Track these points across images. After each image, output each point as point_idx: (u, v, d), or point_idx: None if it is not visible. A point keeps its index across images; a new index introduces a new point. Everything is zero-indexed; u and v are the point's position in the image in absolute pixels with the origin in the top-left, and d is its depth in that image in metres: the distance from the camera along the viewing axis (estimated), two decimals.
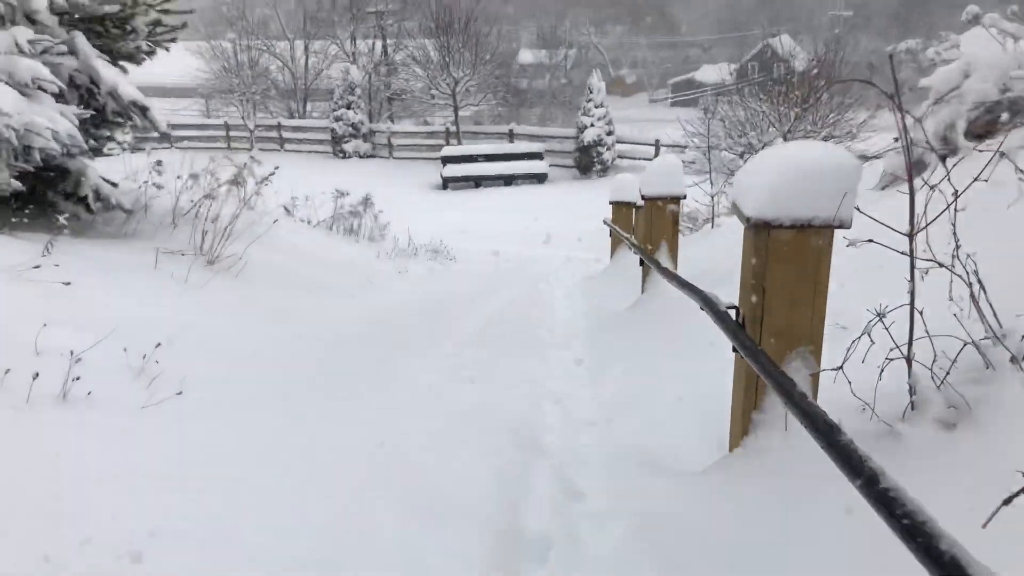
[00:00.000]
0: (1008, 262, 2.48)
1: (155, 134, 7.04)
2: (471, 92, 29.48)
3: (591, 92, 25.84)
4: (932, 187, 2.20)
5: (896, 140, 2.73)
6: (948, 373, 2.19)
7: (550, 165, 25.78)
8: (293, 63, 34.40)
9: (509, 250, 14.36)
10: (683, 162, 6.45)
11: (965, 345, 2.20)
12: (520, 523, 2.64)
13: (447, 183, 24.86)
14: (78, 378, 3.14)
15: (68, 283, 4.06)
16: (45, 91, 5.03)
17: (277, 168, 7.24)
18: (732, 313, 2.57)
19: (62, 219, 4.39)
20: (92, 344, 3.54)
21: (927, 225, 2.14)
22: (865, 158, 6.36)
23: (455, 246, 12.59)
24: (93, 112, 5.68)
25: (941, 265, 2.21)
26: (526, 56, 53.38)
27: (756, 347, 2.28)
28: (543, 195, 23.24)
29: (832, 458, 1.40)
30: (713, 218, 9.53)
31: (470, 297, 7.29)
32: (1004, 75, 4.50)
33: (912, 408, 2.34)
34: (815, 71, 17.56)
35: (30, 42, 4.95)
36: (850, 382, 2.58)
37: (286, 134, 30.87)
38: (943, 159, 4.30)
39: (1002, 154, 2.38)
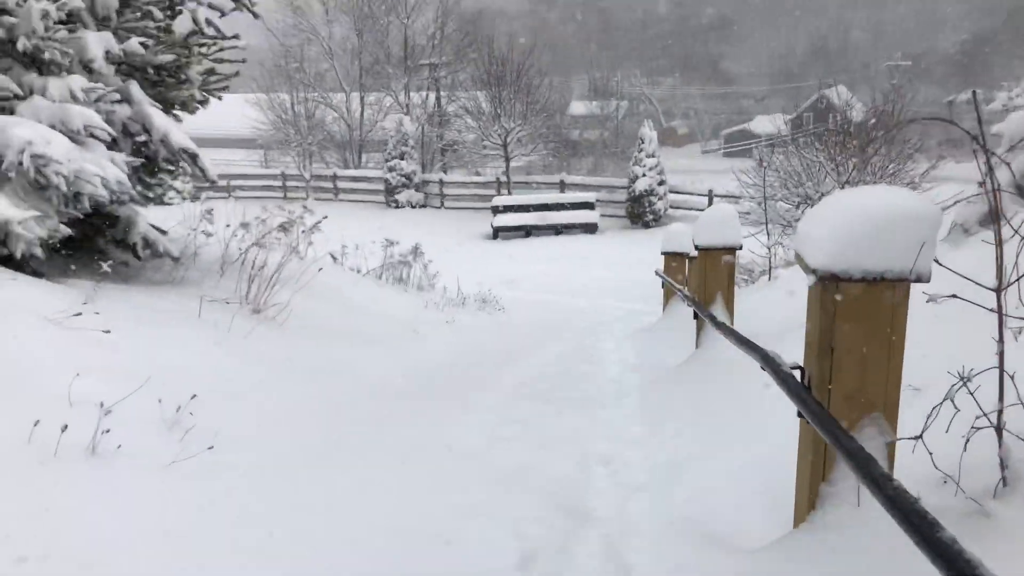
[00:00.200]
0: None
1: (215, 183, 7.07)
2: (522, 142, 29.64)
3: (643, 142, 25.76)
4: None
5: (977, 187, 2.51)
6: None
7: (601, 215, 25.65)
8: (349, 115, 35.06)
9: (559, 300, 14.18)
10: (738, 213, 6.25)
11: None
12: None
13: (497, 233, 24.87)
14: (108, 431, 3.03)
15: (108, 331, 3.99)
16: (97, 138, 5.06)
17: (325, 217, 7.22)
18: (797, 374, 2.36)
19: (105, 266, 4.36)
20: (126, 395, 3.45)
21: (1020, 279, 1.92)
22: None
23: (504, 296, 12.45)
24: (143, 160, 5.70)
25: None
26: (578, 108, 53.71)
27: (825, 413, 2.06)
28: (594, 245, 23.08)
29: (929, 556, 1.18)
30: (770, 270, 9.25)
31: (517, 349, 7.12)
32: None
33: (1004, 484, 2.10)
34: (873, 120, 17.21)
35: (84, 90, 4.99)
36: (931, 453, 2.34)
37: (341, 184, 31.34)
38: None
39: None
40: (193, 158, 6.07)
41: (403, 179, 29.03)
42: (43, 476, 2.74)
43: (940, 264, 2.15)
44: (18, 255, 4.36)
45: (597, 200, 25.95)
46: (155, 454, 3.20)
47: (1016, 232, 2.03)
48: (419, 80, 34.51)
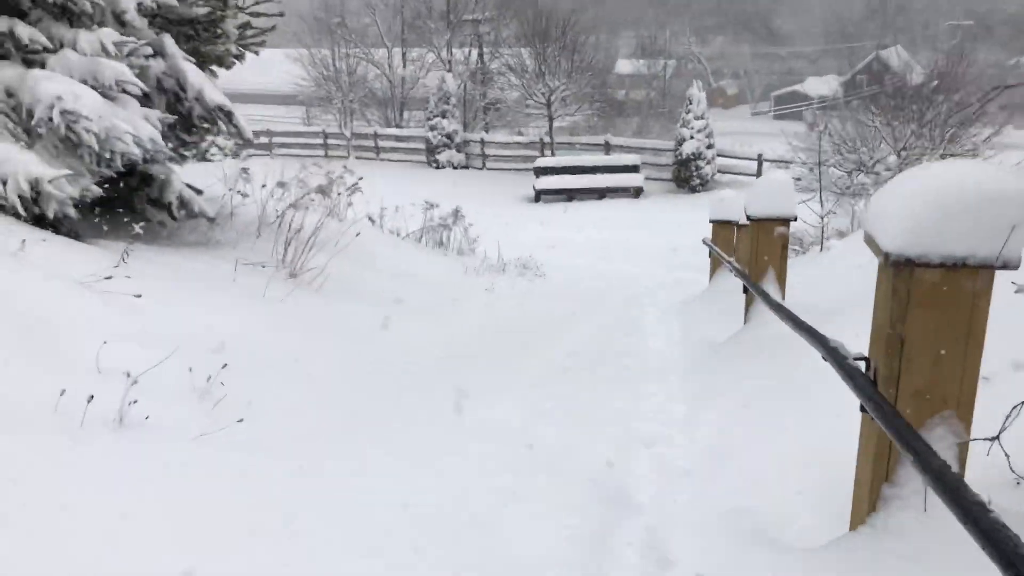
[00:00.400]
0: None
1: (251, 142, 6.98)
2: (566, 102, 29.13)
3: (690, 103, 25.15)
4: None
5: None
6: None
7: (646, 179, 25.17)
8: (390, 71, 34.77)
9: (601, 267, 13.95)
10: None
11: None
12: None
13: (540, 195, 24.56)
14: (135, 401, 2.94)
15: (139, 295, 3.91)
16: (129, 94, 4.96)
17: (361, 178, 7.07)
18: (861, 365, 2.17)
19: (138, 227, 4.27)
20: (156, 363, 3.36)
21: None
22: None
23: (545, 261, 12.25)
24: (176, 117, 5.59)
25: None
26: (624, 66, 52.75)
27: (895, 413, 1.87)
28: (638, 210, 22.71)
29: None
30: (823, 241, 8.93)
31: (558, 319, 6.96)
32: None
33: None
34: (935, 83, 16.55)
35: (116, 44, 4.87)
36: (1008, 455, 2.15)
37: (382, 143, 31.14)
38: None
39: None
40: (228, 115, 5.96)
41: (444, 138, 28.78)
42: (67, 449, 2.65)
43: None
44: (50, 215, 4.29)
45: (642, 163, 25.46)
46: (184, 425, 3.11)
47: None
48: (462, 36, 34.04)
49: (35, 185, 4.14)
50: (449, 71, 31.32)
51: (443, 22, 33.91)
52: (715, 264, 9.04)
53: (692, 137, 24.77)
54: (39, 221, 4.36)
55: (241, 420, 3.13)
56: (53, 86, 4.35)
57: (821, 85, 53.45)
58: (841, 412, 3.25)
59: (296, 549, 2.41)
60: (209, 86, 5.99)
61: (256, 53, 7.31)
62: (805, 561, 2.31)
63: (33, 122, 4.27)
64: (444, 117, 28.71)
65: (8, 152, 4.21)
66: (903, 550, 2.08)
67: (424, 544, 2.45)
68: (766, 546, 2.49)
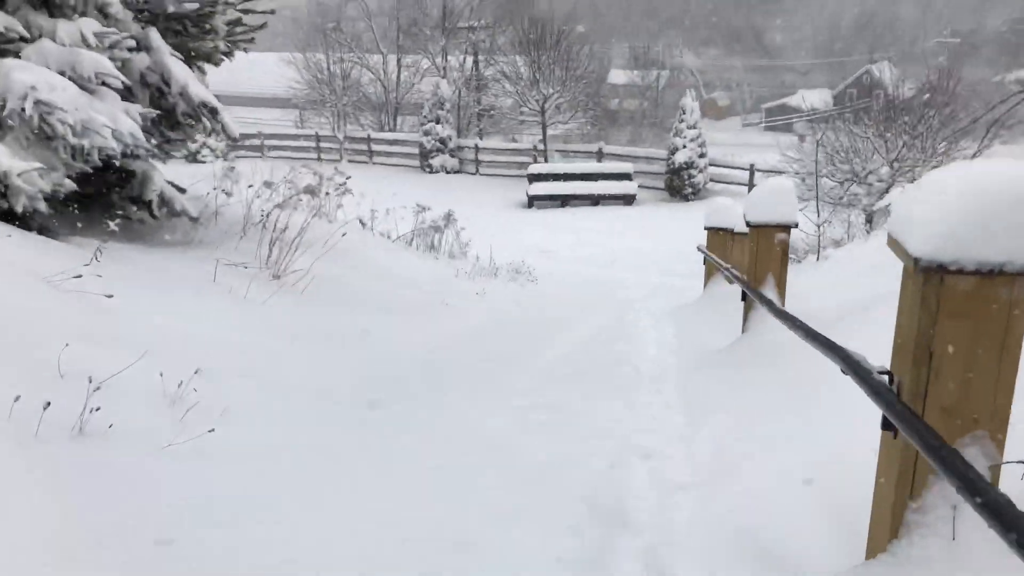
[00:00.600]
0: None
1: (236, 140, 6.80)
2: (560, 109, 29.03)
3: (684, 113, 25.08)
4: None
5: None
6: None
7: (639, 187, 25.08)
8: (385, 76, 34.60)
9: (594, 273, 13.79)
10: None
11: None
12: None
13: (533, 201, 24.42)
14: (98, 408, 2.74)
15: (110, 295, 3.71)
16: (110, 87, 4.76)
17: (349, 177, 6.89)
18: (884, 379, 1.99)
19: (113, 224, 4.08)
20: (124, 367, 3.16)
21: None
22: None
23: (538, 266, 12.10)
24: (158, 112, 5.40)
25: None
26: (617, 77, 52.71)
27: (927, 429, 1.70)
28: (631, 217, 22.57)
29: None
30: (819, 250, 8.78)
31: (550, 325, 6.77)
32: None
33: None
34: (927, 96, 16.49)
35: (96, 35, 4.68)
36: None
37: (375, 147, 30.98)
38: None
39: None
40: (213, 113, 5.77)
41: (438, 143, 28.62)
42: (17, 460, 2.45)
43: None
44: (19, 209, 4.09)
45: (635, 171, 25.38)
46: (151, 434, 2.92)
47: None
48: (456, 43, 33.91)
49: (3, 178, 3.93)
50: (444, 77, 31.15)
51: (438, 29, 33.77)
52: (710, 271, 8.89)
53: (685, 146, 24.70)
54: (7, 216, 4.16)
55: (212, 430, 2.94)
56: (27, 76, 4.15)
57: (812, 98, 53.49)
58: (848, 425, 3.08)
59: None
60: (194, 82, 5.80)
61: (245, 51, 7.13)
62: None
63: (4, 113, 4.07)
64: (438, 122, 28.56)
65: None
66: None
67: (405, 570, 2.26)
68: (775, 573, 2.31)
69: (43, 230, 4.44)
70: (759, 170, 24.11)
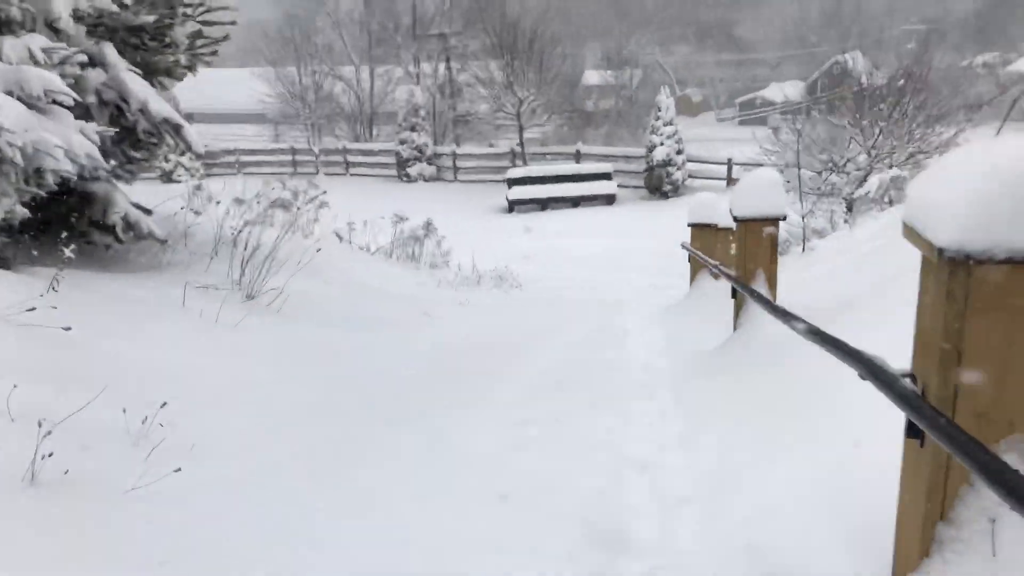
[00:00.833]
0: None
1: (202, 156, 6.58)
2: (536, 112, 28.88)
3: (659, 110, 24.99)
4: None
5: None
6: None
7: (618, 186, 24.97)
8: (358, 86, 34.33)
9: (578, 275, 13.62)
10: None
11: None
12: None
13: (513, 206, 24.24)
14: (51, 454, 2.52)
15: (67, 328, 3.48)
16: (62, 105, 4.52)
17: (324, 191, 6.68)
18: (908, 382, 1.81)
19: (68, 251, 3.85)
20: (84, 405, 2.95)
21: None
22: None
23: (521, 272, 11.91)
24: (117, 130, 5.17)
25: None
26: (592, 77, 52.66)
27: (963, 434, 1.51)
28: (612, 217, 22.45)
29: None
30: (804, 241, 8.64)
31: (536, 332, 6.58)
32: None
33: None
34: (901, 83, 16.44)
35: (45, 51, 4.45)
36: None
37: (351, 158, 30.71)
38: None
39: None
40: (176, 129, 5.53)
41: (415, 152, 28.40)
42: None
43: None
44: None
45: (614, 171, 25.28)
46: (112, 479, 2.70)
47: None
48: (429, 50, 33.71)
49: None
50: (417, 84, 30.93)
51: (409, 37, 33.56)
52: (695, 268, 8.74)
53: (662, 143, 24.62)
54: None
55: (179, 469, 2.72)
56: None
57: (785, 90, 53.70)
58: (855, 427, 2.90)
59: None
60: (155, 98, 5.56)
61: (208, 64, 6.90)
62: None
63: None
64: (414, 130, 28.35)
65: None
66: None
67: None
68: None
69: None
70: (737, 164, 24.09)
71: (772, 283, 4.93)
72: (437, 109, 31.79)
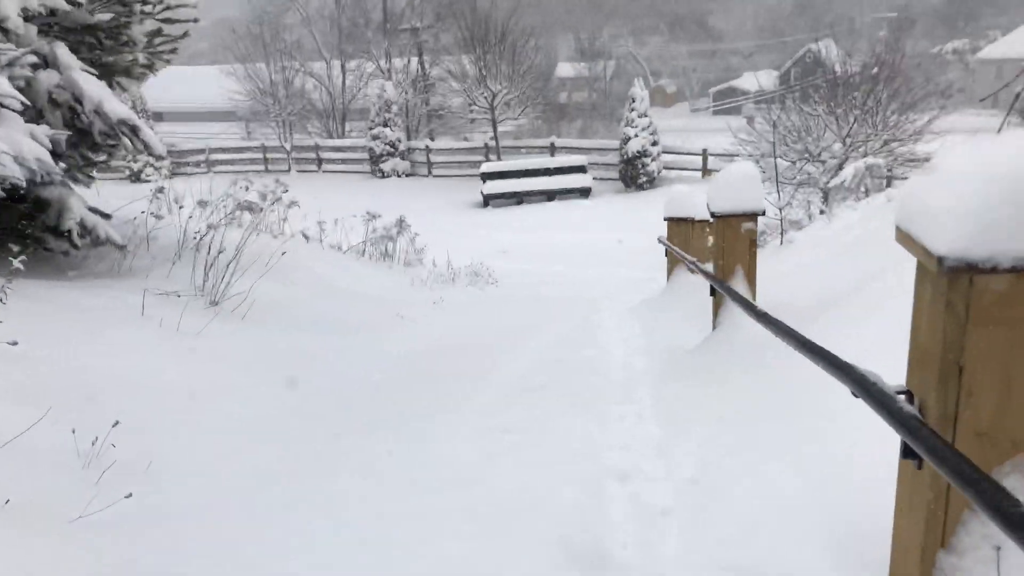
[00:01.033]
0: None
1: (163, 158, 6.37)
2: (510, 106, 28.69)
3: (634, 101, 24.88)
4: None
5: None
6: None
7: (594, 179, 24.87)
8: (330, 82, 33.95)
9: (554, 270, 13.50)
10: None
11: None
12: None
13: (488, 200, 24.08)
14: None
15: (14, 343, 3.29)
16: (9, 108, 4.32)
17: (286, 190, 6.48)
18: (905, 401, 1.69)
19: (16, 262, 3.65)
20: (29, 426, 2.77)
21: None
22: None
23: (497, 267, 11.76)
24: (70, 133, 4.96)
25: None
26: (565, 70, 52.60)
27: (961, 459, 1.39)
28: (588, 210, 22.35)
29: None
30: (782, 233, 8.56)
31: (511, 331, 6.43)
32: None
33: None
34: (875, 70, 16.44)
35: None
36: None
37: (324, 154, 30.37)
38: None
39: None
40: (134, 131, 5.34)
41: (388, 147, 28.13)
42: None
43: None
44: None
45: (589, 163, 25.17)
46: (58, 506, 2.53)
47: None
48: (400, 44, 33.39)
49: None
50: (389, 79, 30.62)
51: (380, 32, 33.21)
52: (673, 262, 8.63)
53: (637, 135, 24.52)
54: None
55: (130, 495, 2.55)
56: None
57: (759, 79, 53.81)
58: (843, 434, 2.79)
59: None
60: (110, 99, 5.36)
61: (167, 62, 6.70)
62: None
63: None
64: (386, 126, 28.07)
65: None
66: None
67: None
68: None
69: None
70: (712, 154, 24.07)
71: (751, 279, 4.82)
72: (410, 104, 31.50)
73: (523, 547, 2.52)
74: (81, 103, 5.12)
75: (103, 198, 6.47)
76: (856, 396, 1.74)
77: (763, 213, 4.79)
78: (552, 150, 26.91)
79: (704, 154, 24.71)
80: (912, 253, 1.65)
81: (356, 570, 2.39)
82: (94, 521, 2.47)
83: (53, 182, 4.94)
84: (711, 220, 5.04)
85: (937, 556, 1.70)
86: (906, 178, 13.99)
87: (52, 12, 5.25)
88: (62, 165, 4.74)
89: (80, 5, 5.48)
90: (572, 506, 2.89)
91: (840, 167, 14.47)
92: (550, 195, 24.13)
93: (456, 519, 2.71)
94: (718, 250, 4.86)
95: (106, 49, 5.89)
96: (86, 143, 5.63)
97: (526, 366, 5.15)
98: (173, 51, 6.36)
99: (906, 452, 1.68)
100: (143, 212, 5.88)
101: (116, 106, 5.19)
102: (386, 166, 28.17)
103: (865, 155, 14.59)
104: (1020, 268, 1.46)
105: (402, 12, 33.74)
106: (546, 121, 33.98)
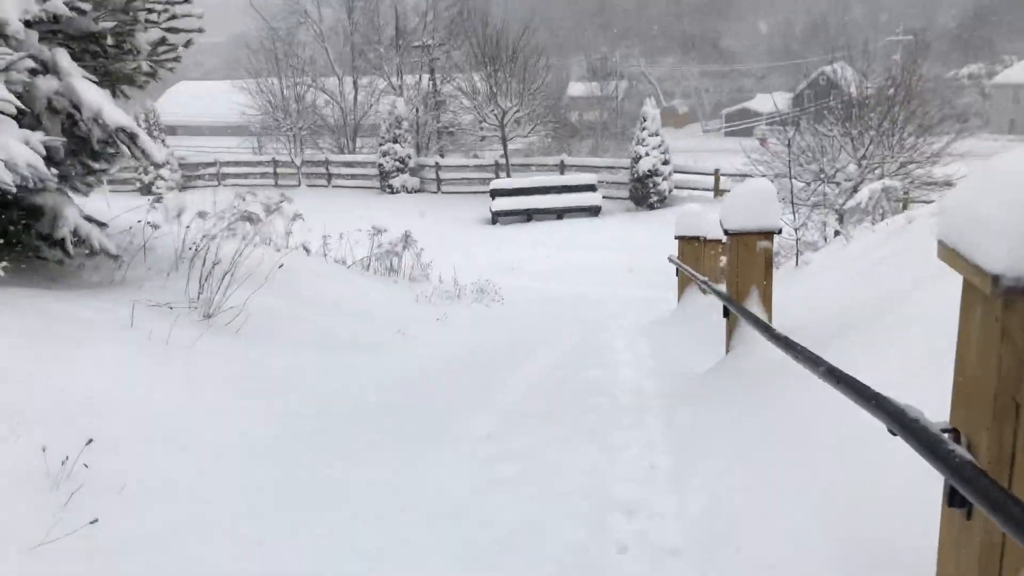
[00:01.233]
0: None
1: (160, 166, 6.23)
2: (520, 123, 28.59)
3: (645, 121, 24.74)
4: None
5: None
6: None
7: (603, 197, 24.70)
8: (341, 98, 33.99)
9: (562, 289, 13.31)
10: None
11: None
12: None
13: (496, 217, 23.94)
14: None
15: None
16: (4, 113, 4.18)
17: (285, 200, 6.33)
18: (950, 440, 1.49)
19: None
20: None
21: None
22: None
23: (504, 284, 11.59)
24: (65, 140, 4.82)
25: None
26: (576, 89, 52.61)
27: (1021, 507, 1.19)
28: (597, 229, 22.16)
29: None
30: (797, 254, 8.36)
31: (516, 351, 6.24)
32: None
33: None
34: (891, 91, 16.27)
35: None
36: None
37: (334, 169, 30.37)
38: None
39: None
40: (132, 138, 5.19)
41: (397, 163, 28.06)
42: None
43: None
44: None
45: (599, 182, 25.03)
46: (21, 530, 2.35)
47: None
48: (412, 61, 33.41)
49: None
50: (400, 96, 30.61)
51: (392, 48, 33.25)
52: (683, 282, 8.44)
53: (648, 154, 24.36)
54: None
55: (95, 520, 2.37)
56: None
57: (771, 101, 53.74)
58: (867, 469, 2.59)
59: None
60: (110, 106, 5.22)
61: (170, 70, 6.55)
62: None
63: None
64: (396, 142, 28.01)
65: None
66: None
67: None
68: None
69: None
70: (725, 174, 23.86)
71: (767, 301, 4.62)
72: (420, 120, 31.46)
73: None
74: (80, 110, 4.98)
75: (112, 210, 6.33)
76: (893, 433, 1.54)
77: (780, 231, 4.60)
78: (562, 168, 26.77)
79: (716, 174, 24.52)
80: (960, 272, 1.46)
81: None
82: (60, 547, 2.29)
83: (47, 189, 4.80)
84: (724, 239, 4.85)
85: None
86: (925, 201, 13.77)
87: (55, 19, 5.13)
88: (54, 171, 4.59)
89: (84, 13, 5.37)
90: (574, 547, 2.69)
91: (856, 189, 14.27)
92: (559, 213, 23.98)
93: (442, 555, 2.51)
94: (732, 270, 4.66)
95: (110, 57, 5.76)
96: (85, 151, 5.49)
97: (531, 387, 4.95)
98: (176, 59, 6.22)
99: (951, 499, 1.48)
100: (139, 221, 5.73)
101: (116, 114, 5.05)
102: (395, 182, 28.09)
103: (881, 177, 14.38)
104: None
105: (414, 29, 33.77)
106: (557, 139, 33.87)
